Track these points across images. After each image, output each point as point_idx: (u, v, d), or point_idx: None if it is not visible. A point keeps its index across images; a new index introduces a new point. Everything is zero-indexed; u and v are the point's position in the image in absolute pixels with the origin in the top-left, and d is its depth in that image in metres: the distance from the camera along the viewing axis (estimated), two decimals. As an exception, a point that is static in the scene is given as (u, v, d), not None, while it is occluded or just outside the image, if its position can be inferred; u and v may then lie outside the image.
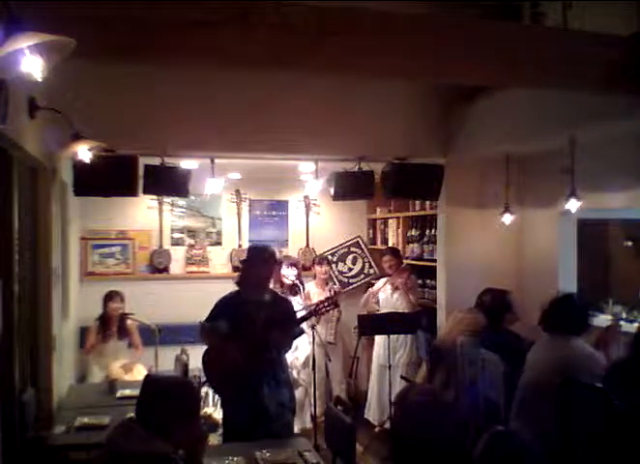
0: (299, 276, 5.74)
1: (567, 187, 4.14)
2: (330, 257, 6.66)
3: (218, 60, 2.65)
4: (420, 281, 5.94)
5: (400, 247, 6.22)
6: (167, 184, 4.64)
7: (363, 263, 6.94)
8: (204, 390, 4.89)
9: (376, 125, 4.79)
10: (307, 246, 6.79)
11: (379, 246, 6.85)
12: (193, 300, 6.12)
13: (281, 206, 6.88)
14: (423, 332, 5.11)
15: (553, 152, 4.46)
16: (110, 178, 4.32)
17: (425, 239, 5.90)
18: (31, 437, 3.45)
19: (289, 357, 4.57)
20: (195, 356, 4.94)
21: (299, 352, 5.52)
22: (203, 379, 4.55)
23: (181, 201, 6.44)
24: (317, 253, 6.69)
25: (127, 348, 5.45)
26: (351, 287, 6.81)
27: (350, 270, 6.89)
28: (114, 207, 6.11)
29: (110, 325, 5.43)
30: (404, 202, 6.31)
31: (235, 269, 6.54)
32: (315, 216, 6.87)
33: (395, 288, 5.66)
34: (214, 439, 4.38)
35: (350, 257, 6.91)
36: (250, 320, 3.81)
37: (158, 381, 2.50)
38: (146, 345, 5.43)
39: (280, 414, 3.85)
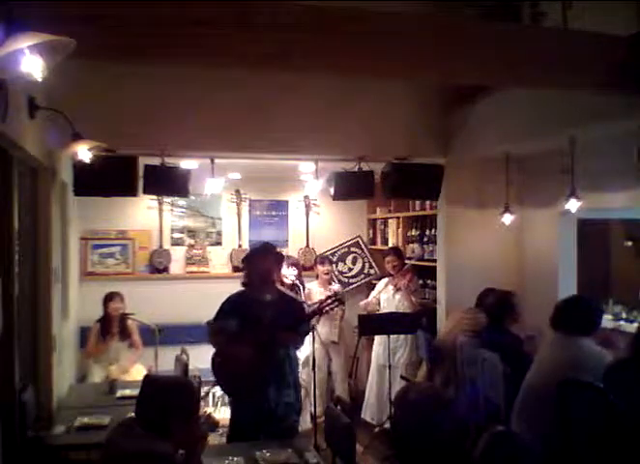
0: (299, 276, 5.75)
1: (567, 186, 4.14)
2: (330, 257, 6.66)
3: (218, 60, 2.65)
4: (420, 281, 5.94)
5: (400, 247, 6.22)
6: (167, 184, 4.64)
7: (363, 263, 6.94)
8: (204, 389, 4.89)
9: (376, 125, 4.79)
10: (307, 246, 6.79)
11: (379, 246, 6.85)
12: (193, 300, 6.14)
13: (281, 206, 6.88)
14: (424, 331, 5.11)
15: (553, 152, 4.46)
16: (110, 178, 4.32)
17: (425, 239, 5.90)
18: (31, 437, 3.45)
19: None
20: (195, 356, 4.95)
21: (299, 352, 5.52)
22: (203, 379, 4.56)
23: (181, 201, 6.43)
24: (317, 253, 6.70)
25: (127, 348, 5.44)
26: (351, 287, 6.81)
27: (350, 270, 6.89)
28: (114, 207, 6.10)
29: (111, 326, 5.43)
30: (404, 202, 6.31)
31: (235, 269, 6.54)
32: (315, 216, 6.87)
33: (398, 289, 5.65)
34: (214, 439, 4.38)
35: (350, 257, 6.91)
36: (258, 319, 3.79)
37: (157, 381, 2.51)
38: (146, 345, 5.43)
39: (288, 414, 3.83)
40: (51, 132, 3.68)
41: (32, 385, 3.69)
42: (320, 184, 5.28)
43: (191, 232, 6.61)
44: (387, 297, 5.76)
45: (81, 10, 2.19)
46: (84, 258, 6.21)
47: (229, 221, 6.68)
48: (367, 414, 5.76)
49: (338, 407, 3.75)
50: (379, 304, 5.87)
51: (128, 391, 4.27)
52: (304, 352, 5.52)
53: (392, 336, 5.38)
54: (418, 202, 6.08)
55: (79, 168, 4.20)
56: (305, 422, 5.57)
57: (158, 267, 6.41)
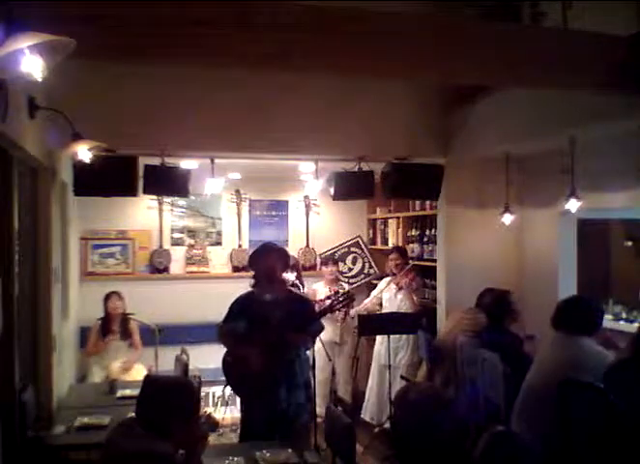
0: (298, 277, 5.75)
1: (567, 186, 4.14)
2: (326, 257, 6.65)
3: (218, 60, 2.65)
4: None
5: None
6: (167, 184, 4.64)
7: (363, 263, 6.94)
8: (204, 389, 4.89)
9: (376, 125, 4.79)
10: (307, 246, 6.79)
11: (379, 246, 6.85)
12: (193, 300, 6.14)
13: (281, 206, 6.88)
14: (424, 331, 5.11)
15: (553, 152, 4.46)
16: (110, 178, 4.32)
17: (425, 239, 5.89)
18: (31, 437, 3.45)
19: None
20: (195, 356, 4.96)
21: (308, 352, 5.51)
22: (203, 379, 4.56)
23: (181, 201, 6.43)
24: (317, 253, 6.71)
25: (127, 348, 5.45)
26: (351, 287, 6.80)
27: (350, 270, 6.89)
28: (114, 207, 6.10)
29: (112, 325, 5.43)
30: (404, 202, 6.31)
31: (235, 269, 6.54)
32: (315, 216, 6.87)
33: (400, 288, 5.65)
34: (213, 439, 4.38)
35: (350, 257, 6.91)
36: (267, 320, 3.78)
37: (157, 381, 2.51)
38: (146, 345, 5.43)
39: (299, 415, 3.82)
40: (51, 132, 3.68)
41: (32, 385, 3.69)
42: (320, 184, 5.28)
43: (191, 232, 6.61)
44: (389, 296, 5.76)
45: (81, 10, 2.19)
46: (84, 258, 6.20)
47: (229, 221, 6.68)
48: (368, 414, 5.76)
49: (339, 407, 3.74)
50: (380, 303, 5.87)
51: (128, 391, 4.26)
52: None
53: (394, 337, 5.38)
54: (418, 202, 6.08)
55: (79, 168, 4.20)
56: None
57: (158, 267, 6.41)
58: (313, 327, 3.95)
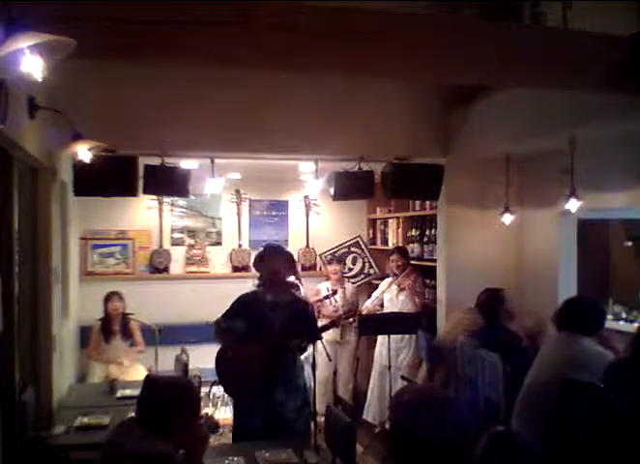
0: (297, 276, 5.74)
1: (567, 187, 4.13)
2: (330, 257, 6.66)
3: (218, 60, 2.64)
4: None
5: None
6: (167, 184, 4.63)
7: (364, 263, 6.94)
8: (204, 390, 4.89)
9: (376, 125, 4.79)
10: (307, 246, 6.79)
11: (379, 246, 6.85)
12: (193, 300, 6.15)
13: (281, 206, 6.88)
14: (424, 332, 5.11)
15: (553, 152, 4.46)
16: (110, 178, 4.32)
17: (425, 239, 5.89)
18: (31, 437, 3.45)
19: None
20: (195, 356, 4.96)
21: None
22: (203, 379, 4.56)
23: (181, 201, 6.44)
24: (317, 253, 6.72)
25: (128, 348, 5.45)
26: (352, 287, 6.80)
27: (350, 270, 6.89)
28: (114, 207, 6.10)
29: (112, 325, 5.43)
30: (404, 202, 6.31)
31: (235, 269, 6.55)
32: (315, 216, 6.87)
33: (402, 289, 5.65)
34: (213, 439, 4.38)
35: (350, 257, 6.92)
36: (266, 322, 3.77)
37: (158, 381, 2.51)
38: (146, 345, 5.44)
39: (296, 418, 3.81)
40: (51, 132, 3.68)
41: (32, 385, 3.69)
42: (320, 184, 5.28)
43: (191, 232, 6.61)
44: (390, 297, 5.75)
45: (81, 10, 2.19)
46: (84, 258, 6.21)
47: (229, 221, 6.68)
48: (369, 414, 5.75)
49: (339, 407, 3.74)
50: (381, 304, 5.87)
51: (128, 391, 4.27)
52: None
53: (395, 337, 5.38)
54: (418, 202, 6.07)
55: (79, 168, 4.19)
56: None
57: (158, 267, 6.41)
58: (310, 334, 3.94)
